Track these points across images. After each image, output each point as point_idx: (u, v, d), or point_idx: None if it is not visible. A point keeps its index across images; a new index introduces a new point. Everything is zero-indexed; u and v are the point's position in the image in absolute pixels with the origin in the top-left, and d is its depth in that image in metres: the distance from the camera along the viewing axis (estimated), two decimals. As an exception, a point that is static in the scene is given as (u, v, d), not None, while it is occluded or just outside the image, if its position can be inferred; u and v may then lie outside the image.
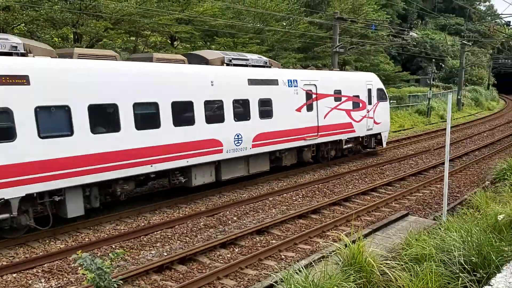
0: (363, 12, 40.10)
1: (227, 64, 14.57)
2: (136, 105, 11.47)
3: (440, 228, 8.40)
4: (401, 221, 10.93)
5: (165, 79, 12.29)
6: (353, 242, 7.09)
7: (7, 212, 9.31)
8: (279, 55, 32.64)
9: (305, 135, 16.75)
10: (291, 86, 16.27)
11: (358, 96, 19.57)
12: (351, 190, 14.76)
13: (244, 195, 14.13)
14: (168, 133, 12.15)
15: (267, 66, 16.13)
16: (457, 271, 5.80)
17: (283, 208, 12.87)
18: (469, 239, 6.77)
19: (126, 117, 11.26)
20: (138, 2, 22.45)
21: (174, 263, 8.87)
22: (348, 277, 6.26)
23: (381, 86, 21.60)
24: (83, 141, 10.39)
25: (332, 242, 8.41)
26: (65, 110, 10.13)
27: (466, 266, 5.90)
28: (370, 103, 20.23)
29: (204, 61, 14.33)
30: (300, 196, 14.15)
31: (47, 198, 10.10)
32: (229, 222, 11.62)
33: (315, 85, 17.27)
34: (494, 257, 6.11)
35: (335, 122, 18.22)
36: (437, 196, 13.93)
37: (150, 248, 9.87)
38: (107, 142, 10.87)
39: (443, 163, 10.44)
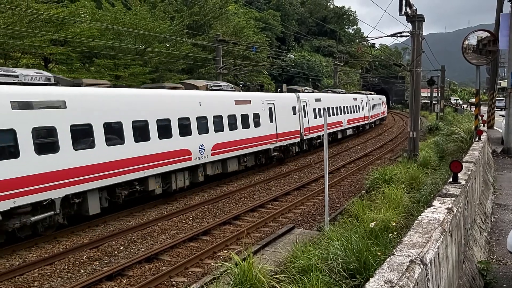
0: (244, 34, 41.61)
1: None
2: None
3: (323, 238, 8.82)
4: (288, 235, 11.32)
5: None
6: (244, 260, 7.14)
7: None
8: (164, 76, 32.28)
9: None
10: None
11: (380, 104, 50.27)
12: (241, 208, 14.95)
13: (131, 223, 13.53)
14: None
15: None
16: (337, 279, 6.11)
17: (173, 232, 12.57)
18: (349, 246, 7.18)
19: None
20: (7, 23, 20.72)
21: (54, 303, 8.14)
22: (240, 296, 6.27)
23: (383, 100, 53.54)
24: None
25: (223, 262, 8.39)
26: None
27: (346, 273, 6.25)
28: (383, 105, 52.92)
29: None
30: (190, 218, 13.96)
31: None
32: (116, 252, 11.02)
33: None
34: (372, 262, 6.57)
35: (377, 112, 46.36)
36: (319, 207, 14.71)
37: (26, 290, 8.96)
38: None
39: (324, 176, 11.07)
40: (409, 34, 19.85)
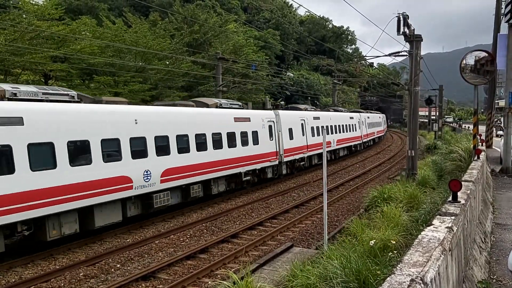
0: (244, 53, 41.97)
1: None
2: None
3: (322, 257, 8.72)
4: (287, 253, 11.22)
5: None
6: (242, 278, 7.06)
7: None
8: (163, 93, 32.43)
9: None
10: None
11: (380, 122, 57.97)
12: (239, 226, 14.85)
13: (128, 240, 13.41)
14: None
15: None
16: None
17: (171, 250, 12.46)
18: (349, 265, 7.12)
19: None
20: (8, 39, 20.90)
21: (48, 322, 8.01)
22: (237, 316, 6.18)
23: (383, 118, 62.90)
24: None
25: (221, 281, 8.29)
26: None
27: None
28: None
29: None
30: (188, 236, 13.85)
31: None
32: (112, 270, 10.89)
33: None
34: (372, 281, 6.50)
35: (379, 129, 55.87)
36: (318, 226, 14.61)
37: (20, 308, 8.82)
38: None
39: (322, 194, 11.03)
40: (407, 54, 20.01)
